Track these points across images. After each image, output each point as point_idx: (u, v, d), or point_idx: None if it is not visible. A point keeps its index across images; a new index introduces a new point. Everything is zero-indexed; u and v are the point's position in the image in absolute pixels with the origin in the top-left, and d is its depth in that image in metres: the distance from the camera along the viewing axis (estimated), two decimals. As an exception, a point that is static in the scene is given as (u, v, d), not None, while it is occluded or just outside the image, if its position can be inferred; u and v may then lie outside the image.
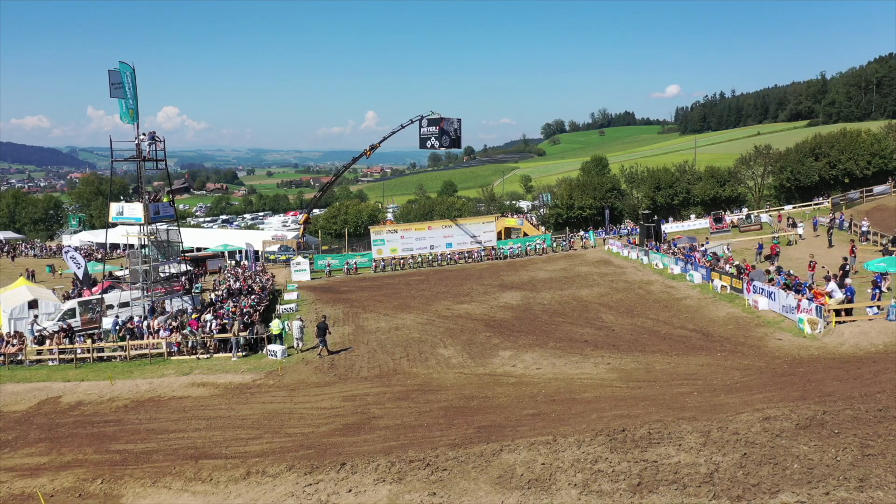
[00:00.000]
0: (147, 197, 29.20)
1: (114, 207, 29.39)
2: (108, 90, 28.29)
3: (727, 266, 30.00)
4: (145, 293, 29.25)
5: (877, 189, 49.94)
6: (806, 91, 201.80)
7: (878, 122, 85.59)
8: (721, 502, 10.10)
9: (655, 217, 47.21)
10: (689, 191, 61.09)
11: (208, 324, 24.31)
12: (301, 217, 66.32)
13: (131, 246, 34.53)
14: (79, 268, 34.18)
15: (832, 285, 21.24)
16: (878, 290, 19.75)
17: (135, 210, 28.64)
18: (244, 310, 26.35)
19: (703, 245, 37.59)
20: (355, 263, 46.95)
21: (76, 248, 62.68)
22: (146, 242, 29.32)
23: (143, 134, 29.00)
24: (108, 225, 31.30)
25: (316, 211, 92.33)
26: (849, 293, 20.92)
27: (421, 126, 49.86)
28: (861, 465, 10.63)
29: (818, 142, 56.75)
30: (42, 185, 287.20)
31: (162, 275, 31.16)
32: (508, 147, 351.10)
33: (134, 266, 29.72)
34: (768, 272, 25.44)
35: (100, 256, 57.20)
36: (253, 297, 30.73)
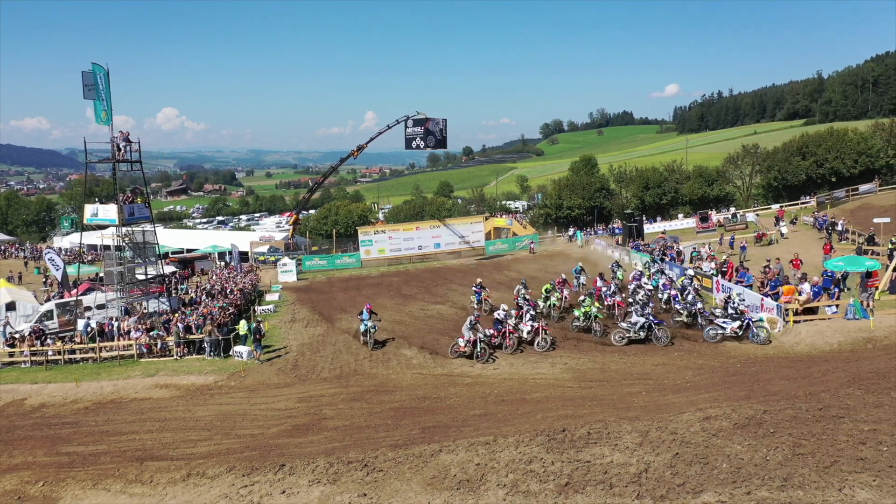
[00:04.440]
0: (122, 198, 29.19)
1: (88, 209, 29.43)
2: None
3: (711, 263, 29.82)
4: (121, 295, 29.27)
5: (862, 188, 50.00)
6: (803, 90, 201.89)
7: (885, 120, 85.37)
8: (644, 502, 10.10)
9: (637, 217, 47.28)
10: (677, 190, 61.10)
11: (172, 325, 24.31)
12: (290, 218, 66.46)
13: (107, 248, 34.61)
14: (57, 270, 34.21)
15: (805, 285, 21.17)
16: (837, 289, 19.71)
17: (109, 211, 28.66)
18: (212, 311, 26.35)
19: (673, 245, 37.63)
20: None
21: (67, 250, 62.90)
22: (122, 244, 29.35)
23: (120, 132, 29.04)
24: (82, 227, 31.35)
25: (312, 211, 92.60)
26: (818, 291, 20.89)
27: (406, 126, 49.90)
28: (788, 465, 10.62)
29: (805, 141, 56.76)
30: (41, 186, 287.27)
31: (141, 276, 31.21)
32: (507, 147, 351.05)
33: (109, 268, 29.73)
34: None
35: (90, 258, 57.33)
36: (226, 298, 30.70)
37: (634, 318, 20.41)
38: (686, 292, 23.08)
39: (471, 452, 12.24)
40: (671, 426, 12.66)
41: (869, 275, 20.24)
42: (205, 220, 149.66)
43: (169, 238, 70.92)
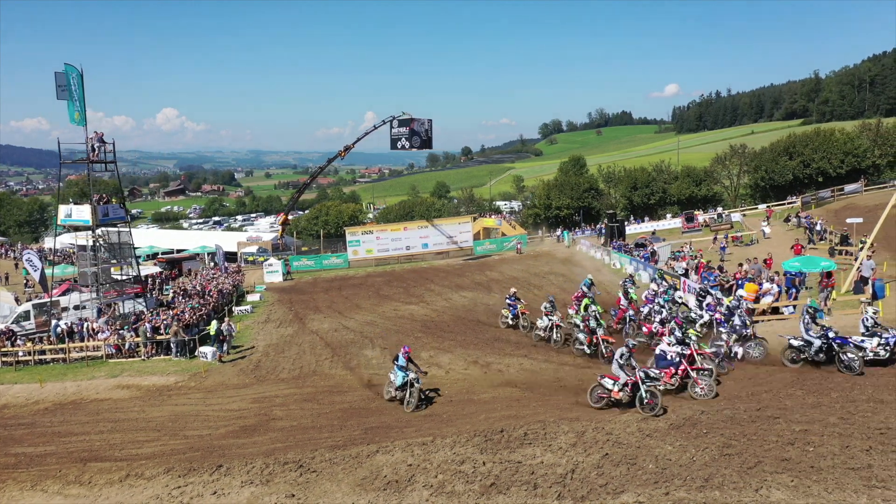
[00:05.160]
0: (95, 199, 29.24)
1: (62, 210, 29.50)
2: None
3: (683, 264, 29.79)
4: (97, 295, 29.30)
5: (848, 188, 49.96)
6: (800, 90, 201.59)
7: (871, 120, 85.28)
8: (564, 503, 10.11)
9: (619, 217, 47.36)
10: (665, 190, 61.08)
11: (140, 326, 24.32)
12: (279, 218, 66.51)
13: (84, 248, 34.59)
14: (35, 271, 34.24)
15: (773, 286, 21.13)
16: (795, 290, 19.69)
17: (83, 212, 28.72)
18: (180, 311, 26.36)
19: (648, 244, 37.70)
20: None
21: (58, 251, 62.88)
22: (97, 244, 29.37)
23: (95, 132, 29.12)
24: (56, 228, 31.41)
25: (304, 212, 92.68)
26: (780, 291, 20.91)
27: (392, 127, 49.84)
28: (713, 465, 10.62)
29: (792, 141, 56.76)
30: (41, 186, 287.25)
31: (123, 277, 31.27)
32: (506, 147, 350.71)
33: (83, 269, 29.76)
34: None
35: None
36: (202, 299, 30.70)
37: (807, 338, 15.86)
38: (739, 313, 18.20)
39: (406, 453, 12.25)
40: (608, 426, 12.67)
41: (829, 275, 20.25)
42: (201, 220, 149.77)
43: (160, 238, 71.13)
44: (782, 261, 27.04)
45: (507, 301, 24.56)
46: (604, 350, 18.47)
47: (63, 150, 29.22)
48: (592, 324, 19.51)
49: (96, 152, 28.82)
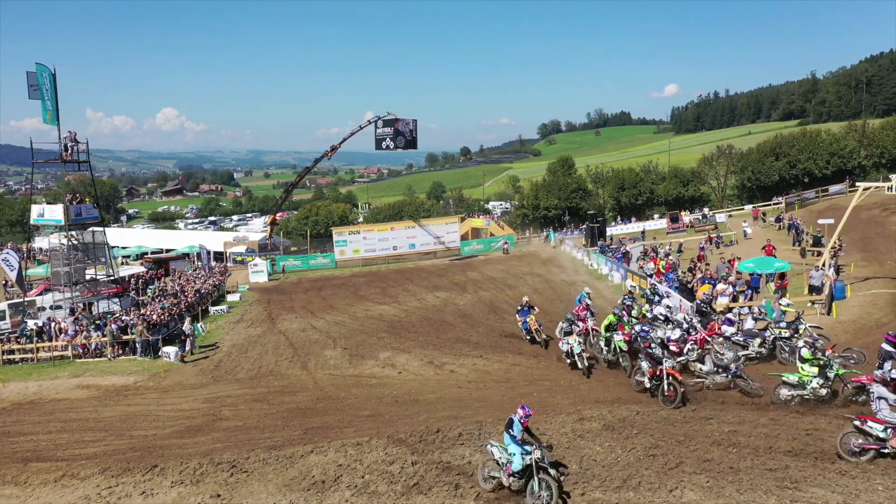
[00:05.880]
0: (68, 198, 29.28)
1: (35, 209, 29.53)
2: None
3: (650, 264, 29.77)
4: (72, 295, 29.32)
5: (832, 189, 49.86)
6: (798, 90, 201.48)
7: (857, 121, 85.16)
8: (482, 503, 10.11)
9: (600, 218, 47.34)
10: (652, 191, 61.05)
11: (107, 326, 24.34)
12: (268, 218, 66.50)
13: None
14: (12, 270, 34.25)
15: (730, 287, 21.09)
16: (750, 291, 19.67)
17: (55, 212, 28.75)
18: (144, 312, 26.37)
19: (621, 244, 37.76)
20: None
21: (46, 251, 62.99)
22: (70, 244, 29.39)
23: (69, 132, 29.16)
24: (29, 227, 31.43)
25: (294, 212, 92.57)
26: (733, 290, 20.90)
27: (377, 127, 49.85)
28: (635, 466, 10.62)
29: (778, 142, 56.74)
30: (40, 186, 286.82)
31: (103, 277, 31.26)
32: (505, 147, 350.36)
33: (56, 268, 29.78)
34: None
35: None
36: (175, 299, 30.72)
37: None
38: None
39: (339, 453, 12.24)
40: (544, 427, 12.66)
41: (782, 276, 20.24)
42: (197, 220, 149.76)
43: (150, 238, 71.04)
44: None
45: (520, 315, 21.20)
46: (665, 387, 13.89)
47: (45, 148, 29.38)
48: (658, 352, 14.59)
49: (70, 152, 28.84)
